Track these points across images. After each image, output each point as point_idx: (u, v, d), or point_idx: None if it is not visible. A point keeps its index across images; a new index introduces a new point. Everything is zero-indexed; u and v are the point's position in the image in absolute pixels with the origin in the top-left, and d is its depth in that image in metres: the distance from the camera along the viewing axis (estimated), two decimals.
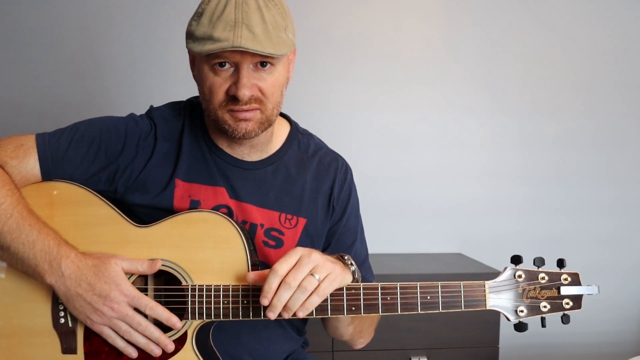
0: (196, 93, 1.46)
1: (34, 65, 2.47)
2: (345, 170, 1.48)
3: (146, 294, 1.24)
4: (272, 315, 1.13)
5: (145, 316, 1.21)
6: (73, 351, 1.23)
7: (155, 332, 1.20)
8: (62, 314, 1.24)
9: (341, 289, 1.19)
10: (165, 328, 1.22)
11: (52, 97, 2.47)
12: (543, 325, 1.20)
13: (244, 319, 1.20)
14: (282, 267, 1.12)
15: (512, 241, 2.71)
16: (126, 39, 2.51)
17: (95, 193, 1.29)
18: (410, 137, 2.67)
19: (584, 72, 2.75)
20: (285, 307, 1.12)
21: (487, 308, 1.19)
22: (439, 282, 1.19)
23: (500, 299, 1.19)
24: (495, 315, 2.19)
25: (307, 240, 1.39)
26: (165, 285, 1.27)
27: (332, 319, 1.37)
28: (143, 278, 1.27)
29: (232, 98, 1.23)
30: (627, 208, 2.83)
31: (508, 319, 1.19)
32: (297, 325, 1.47)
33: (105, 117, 1.37)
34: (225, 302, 1.20)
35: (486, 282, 1.19)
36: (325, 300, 1.19)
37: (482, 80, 2.70)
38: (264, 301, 1.12)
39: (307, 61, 2.40)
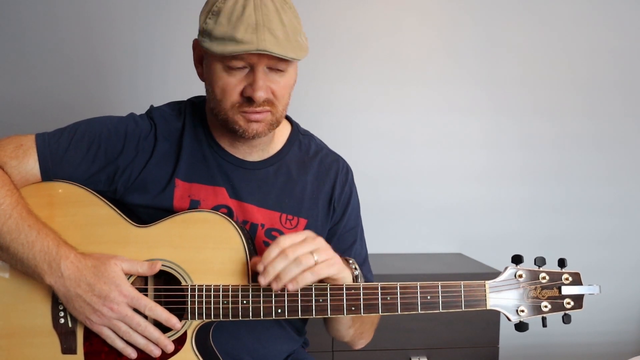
0: (196, 93, 1.46)
1: (34, 66, 2.47)
2: (346, 171, 1.48)
3: (146, 294, 1.24)
4: (263, 280, 1.13)
5: (145, 317, 1.21)
6: (73, 351, 1.23)
7: (155, 333, 1.20)
8: (61, 314, 1.23)
9: (341, 288, 1.19)
10: (164, 328, 1.22)
11: (52, 97, 2.47)
12: (544, 325, 1.20)
13: (243, 319, 1.20)
14: (285, 240, 1.15)
15: (512, 241, 2.72)
16: (126, 39, 2.51)
17: (94, 193, 1.29)
18: (411, 137, 2.67)
19: (583, 72, 2.76)
20: (277, 276, 1.13)
21: (488, 308, 1.18)
22: (439, 282, 1.18)
23: (500, 298, 1.19)
24: (495, 315, 2.20)
25: None
26: (165, 285, 1.26)
27: (334, 321, 1.38)
28: (143, 278, 1.27)
29: (247, 99, 1.23)
30: (627, 208, 2.83)
31: (509, 319, 1.19)
32: (297, 325, 1.47)
33: (105, 117, 1.37)
34: (225, 302, 1.20)
35: (486, 282, 1.19)
36: (325, 300, 1.19)
37: (482, 81, 2.70)
38: (260, 267, 1.14)
39: (308, 62, 2.39)
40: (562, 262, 1.20)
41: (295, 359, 1.46)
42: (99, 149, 1.31)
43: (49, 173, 1.29)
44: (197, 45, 1.31)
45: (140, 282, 1.27)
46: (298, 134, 1.47)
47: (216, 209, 1.32)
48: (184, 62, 2.43)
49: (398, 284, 1.19)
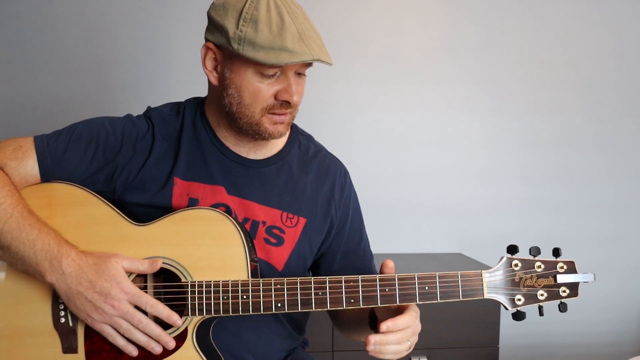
0: (196, 94, 1.48)
1: (34, 66, 2.48)
2: (345, 174, 1.50)
3: (146, 292, 1.25)
4: (371, 348, 1.17)
5: (146, 314, 1.21)
6: (74, 350, 1.24)
7: (156, 330, 1.21)
8: (62, 313, 1.24)
9: (339, 281, 1.21)
10: (165, 325, 1.23)
11: (51, 97, 2.48)
12: (541, 314, 1.21)
13: (243, 314, 1.21)
14: (406, 331, 1.18)
15: (512, 241, 2.66)
16: (126, 39, 2.51)
17: (93, 193, 1.30)
18: (411, 137, 2.68)
19: (583, 72, 2.76)
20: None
21: (485, 297, 1.19)
22: (437, 273, 1.19)
23: (497, 287, 1.19)
24: (495, 315, 2.20)
25: (306, 240, 1.41)
26: (165, 282, 1.27)
27: (358, 334, 1.42)
28: (143, 276, 1.28)
29: (282, 103, 1.28)
30: (627, 208, 2.83)
31: (506, 308, 1.20)
32: (297, 323, 1.48)
33: (102, 118, 1.38)
34: (225, 297, 1.21)
35: (483, 271, 1.20)
36: (325, 292, 1.20)
37: (482, 81, 2.70)
38: (375, 340, 1.17)
39: None
40: (556, 252, 1.21)
41: (295, 358, 1.47)
42: (97, 149, 1.33)
43: (48, 174, 1.30)
44: (210, 50, 1.31)
45: (141, 280, 1.27)
46: (298, 135, 1.49)
47: (214, 207, 1.33)
48: (185, 63, 2.45)
49: (396, 275, 1.20)
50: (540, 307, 1.20)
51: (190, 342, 1.23)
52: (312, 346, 1.63)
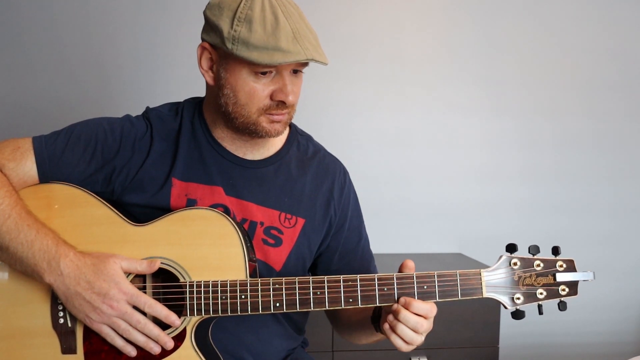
0: (196, 94, 1.48)
1: (33, 67, 2.48)
2: (344, 174, 1.50)
3: (145, 292, 1.25)
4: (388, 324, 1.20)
5: (144, 314, 1.21)
6: (73, 351, 1.24)
7: (155, 330, 1.21)
8: (61, 314, 1.24)
9: (338, 280, 1.21)
10: (164, 326, 1.23)
11: (51, 98, 2.48)
12: (540, 313, 1.20)
13: (242, 313, 1.21)
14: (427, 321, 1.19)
15: (511, 241, 2.68)
16: (126, 39, 2.52)
17: (92, 194, 1.30)
18: (411, 137, 2.68)
19: (583, 72, 2.75)
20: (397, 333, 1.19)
21: (484, 296, 1.19)
22: (435, 272, 1.19)
23: (496, 286, 1.19)
24: (495, 315, 2.20)
25: (305, 241, 1.41)
26: (163, 282, 1.27)
27: (358, 335, 1.42)
28: (141, 276, 1.28)
29: (278, 103, 1.27)
30: (627, 208, 2.83)
31: (505, 307, 1.19)
32: (297, 323, 1.48)
33: (101, 118, 1.38)
34: (224, 297, 1.21)
35: (482, 270, 1.20)
36: (323, 292, 1.21)
37: (482, 81, 2.70)
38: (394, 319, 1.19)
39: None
40: (555, 250, 1.21)
41: (295, 358, 1.46)
42: (96, 149, 1.33)
43: (46, 175, 1.30)
44: (205, 50, 1.31)
45: (139, 280, 1.27)
46: (297, 135, 1.49)
47: (213, 207, 1.33)
48: (184, 64, 2.45)
49: (395, 274, 1.20)
50: (539, 306, 1.20)
51: (189, 342, 1.23)
52: (312, 346, 1.63)
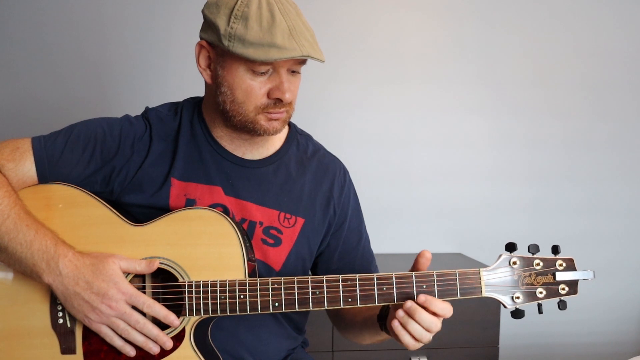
0: (194, 94, 1.48)
1: (30, 68, 2.48)
2: (344, 173, 1.50)
3: (144, 292, 1.25)
4: (397, 317, 1.18)
5: (143, 314, 1.21)
6: (72, 351, 1.24)
7: (154, 330, 1.21)
8: (60, 314, 1.24)
9: (337, 280, 1.21)
10: (163, 326, 1.23)
11: (45, 101, 2.48)
12: (540, 312, 1.20)
13: (241, 313, 1.21)
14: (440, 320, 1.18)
15: (512, 241, 2.70)
16: (121, 41, 2.51)
17: (91, 194, 1.30)
18: (410, 136, 2.67)
19: (591, 72, 2.74)
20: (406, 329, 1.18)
21: (483, 295, 1.19)
22: (434, 271, 1.19)
23: (495, 285, 1.19)
24: (495, 315, 2.20)
25: (304, 240, 1.40)
26: (162, 282, 1.27)
27: (361, 335, 1.41)
28: (141, 276, 1.28)
29: (275, 101, 1.27)
30: (630, 209, 2.83)
31: (505, 306, 1.19)
32: (297, 323, 1.48)
33: (100, 119, 1.38)
34: (222, 297, 1.21)
35: (481, 269, 1.20)
36: (322, 292, 1.20)
37: (483, 80, 2.70)
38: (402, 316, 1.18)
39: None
40: (555, 249, 1.21)
41: (295, 358, 1.46)
42: (95, 150, 1.33)
43: (45, 175, 1.30)
44: (203, 48, 1.32)
45: (139, 280, 1.27)
46: (296, 134, 1.49)
47: (212, 207, 1.33)
48: (181, 64, 2.45)
49: (394, 274, 1.20)
50: (539, 305, 1.20)
51: (188, 342, 1.23)
52: (312, 346, 1.62)
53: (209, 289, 1.22)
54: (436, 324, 1.17)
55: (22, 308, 1.25)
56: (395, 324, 1.18)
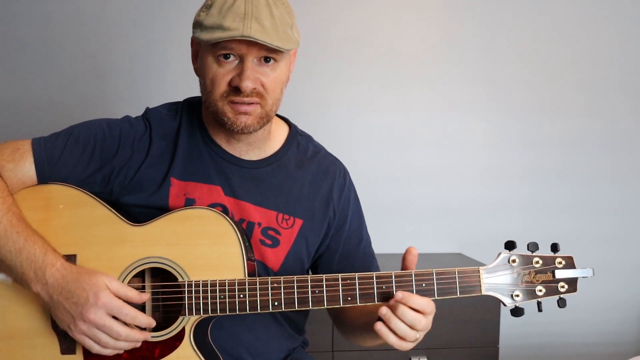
0: (194, 94, 1.48)
1: (30, 69, 2.48)
2: (344, 174, 1.49)
3: (143, 292, 1.25)
4: (384, 313, 1.16)
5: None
6: (72, 351, 1.24)
7: (137, 335, 1.19)
8: None
9: (336, 279, 1.20)
10: (162, 326, 1.23)
11: (48, 100, 2.49)
12: (539, 310, 1.20)
13: (241, 312, 1.21)
14: (425, 318, 1.16)
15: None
16: (122, 41, 2.52)
17: (90, 194, 1.30)
18: (411, 137, 2.68)
19: (587, 72, 2.75)
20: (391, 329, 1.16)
21: (483, 293, 1.19)
22: (434, 270, 1.19)
23: (495, 283, 1.19)
24: (495, 315, 2.20)
25: (303, 241, 1.40)
26: (162, 282, 1.27)
27: (363, 338, 1.40)
28: (140, 276, 1.28)
29: (235, 89, 1.24)
30: (628, 208, 2.83)
31: (504, 304, 1.19)
32: (297, 323, 1.48)
33: (100, 120, 1.38)
34: (222, 296, 1.21)
35: (481, 267, 1.20)
36: (321, 291, 1.20)
37: (483, 80, 2.70)
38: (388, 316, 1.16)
39: (306, 61, 2.37)
40: (554, 247, 1.21)
41: (295, 358, 1.46)
42: (94, 150, 1.33)
43: (45, 176, 1.30)
44: (193, 45, 1.34)
45: (138, 280, 1.27)
46: (296, 135, 1.48)
47: (211, 207, 1.33)
48: (182, 64, 2.44)
49: (393, 272, 1.19)
50: (538, 303, 1.20)
51: (187, 342, 1.23)
52: (312, 346, 1.62)
53: (209, 288, 1.21)
54: (420, 321, 1.14)
55: (22, 309, 1.25)
56: (377, 326, 1.16)
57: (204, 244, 1.24)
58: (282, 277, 1.21)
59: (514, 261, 1.20)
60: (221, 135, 1.37)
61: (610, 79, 2.76)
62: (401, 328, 1.15)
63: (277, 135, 1.44)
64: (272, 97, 1.28)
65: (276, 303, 1.21)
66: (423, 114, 2.68)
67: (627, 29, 2.76)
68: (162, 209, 1.31)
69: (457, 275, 1.19)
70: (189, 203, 1.33)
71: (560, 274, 1.19)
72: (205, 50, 1.26)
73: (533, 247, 1.21)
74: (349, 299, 1.20)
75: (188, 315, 1.22)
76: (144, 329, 1.22)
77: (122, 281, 1.23)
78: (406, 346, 1.18)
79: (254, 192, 1.37)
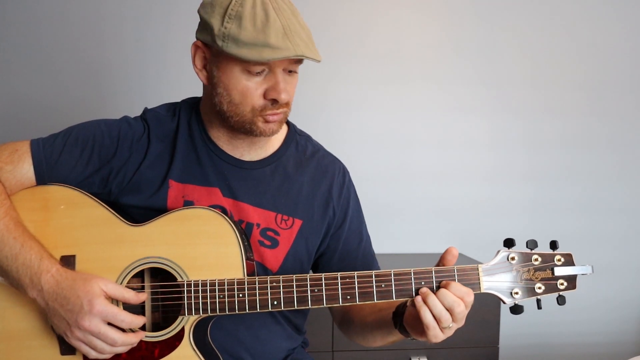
0: (191, 94, 1.48)
1: (26, 70, 2.48)
2: (343, 173, 1.49)
3: (141, 292, 1.25)
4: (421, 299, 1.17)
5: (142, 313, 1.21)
6: (72, 352, 1.24)
7: (134, 339, 1.20)
8: None
9: (335, 278, 1.20)
10: (162, 326, 1.23)
11: (44, 101, 2.49)
12: (539, 307, 1.20)
13: (240, 312, 1.21)
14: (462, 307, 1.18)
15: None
16: (121, 41, 2.52)
17: (88, 194, 1.30)
18: (411, 137, 2.67)
19: (591, 71, 2.74)
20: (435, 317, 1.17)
21: (482, 291, 1.19)
22: (433, 268, 1.19)
23: (494, 281, 1.19)
24: (495, 314, 2.19)
25: (302, 242, 1.40)
26: (161, 282, 1.27)
27: (372, 336, 1.40)
28: (140, 276, 1.28)
29: (271, 101, 1.26)
30: (631, 208, 2.82)
31: (503, 302, 1.19)
32: (296, 323, 1.47)
33: (98, 120, 1.38)
34: (221, 296, 1.21)
35: (480, 265, 1.19)
36: (321, 289, 1.20)
37: (483, 80, 2.69)
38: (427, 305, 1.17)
39: (305, 60, 2.37)
40: (553, 244, 1.21)
41: (295, 358, 1.46)
42: (93, 151, 1.33)
43: (43, 177, 1.30)
44: (199, 49, 1.31)
45: (137, 280, 1.27)
46: (295, 135, 1.48)
47: None
48: (179, 64, 2.45)
49: (392, 270, 1.19)
50: (538, 300, 1.19)
51: (187, 342, 1.23)
52: (312, 346, 1.62)
53: (208, 288, 1.21)
54: (459, 304, 1.15)
55: (21, 309, 1.25)
56: (419, 298, 1.16)
57: (203, 244, 1.24)
58: (281, 277, 1.21)
59: (513, 259, 1.20)
60: (223, 136, 1.37)
61: (614, 78, 2.76)
62: (438, 307, 1.15)
63: (277, 135, 1.44)
64: (291, 103, 1.32)
65: (275, 302, 1.20)
66: (423, 114, 2.68)
67: (631, 28, 2.75)
68: (161, 211, 1.31)
69: (456, 273, 1.19)
70: (187, 205, 1.33)
71: (559, 271, 1.19)
72: (231, 62, 1.24)
73: (532, 244, 1.20)
74: (348, 297, 1.20)
75: (187, 315, 1.22)
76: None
77: (122, 281, 1.23)
78: (437, 334, 1.18)
79: (252, 193, 1.37)
